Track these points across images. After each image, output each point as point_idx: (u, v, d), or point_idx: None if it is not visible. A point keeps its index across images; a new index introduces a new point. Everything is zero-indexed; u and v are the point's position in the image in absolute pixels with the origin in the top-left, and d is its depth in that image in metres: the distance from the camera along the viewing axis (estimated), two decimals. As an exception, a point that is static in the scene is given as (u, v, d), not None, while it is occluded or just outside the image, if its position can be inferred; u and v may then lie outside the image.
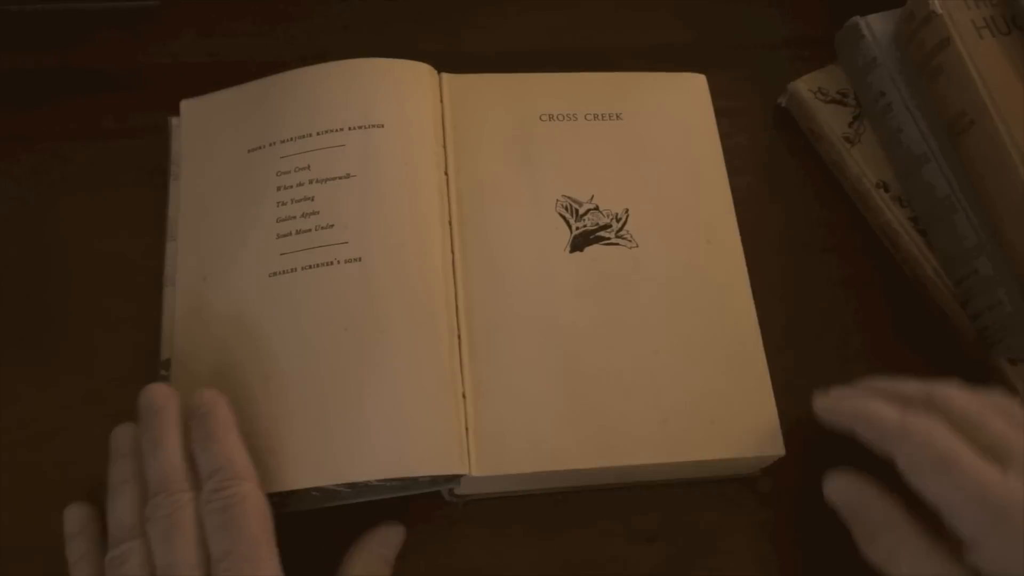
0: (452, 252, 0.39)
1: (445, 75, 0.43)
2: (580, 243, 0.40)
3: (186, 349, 0.39)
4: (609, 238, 0.40)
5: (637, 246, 0.40)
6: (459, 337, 0.38)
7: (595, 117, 0.44)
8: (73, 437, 0.39)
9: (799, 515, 0.39)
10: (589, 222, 0.41)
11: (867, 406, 0.34)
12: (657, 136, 0.43)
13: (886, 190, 0.44)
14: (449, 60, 0.44)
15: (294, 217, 0.39)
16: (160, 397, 0.35)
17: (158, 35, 0.48)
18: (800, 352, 0.42)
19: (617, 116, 0.44)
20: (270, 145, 0.41)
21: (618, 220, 0.41)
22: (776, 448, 0.37)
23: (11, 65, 0.47)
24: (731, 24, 0.51)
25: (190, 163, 0.43)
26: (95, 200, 0.44)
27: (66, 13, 0.48)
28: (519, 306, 0.38)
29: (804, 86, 0.47)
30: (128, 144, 0.45)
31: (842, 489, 0.35)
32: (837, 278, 0.45)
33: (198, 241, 0.41)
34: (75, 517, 0.36)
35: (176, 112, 0.44)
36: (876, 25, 0.45)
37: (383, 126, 0.41)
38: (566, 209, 0.41)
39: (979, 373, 0.42)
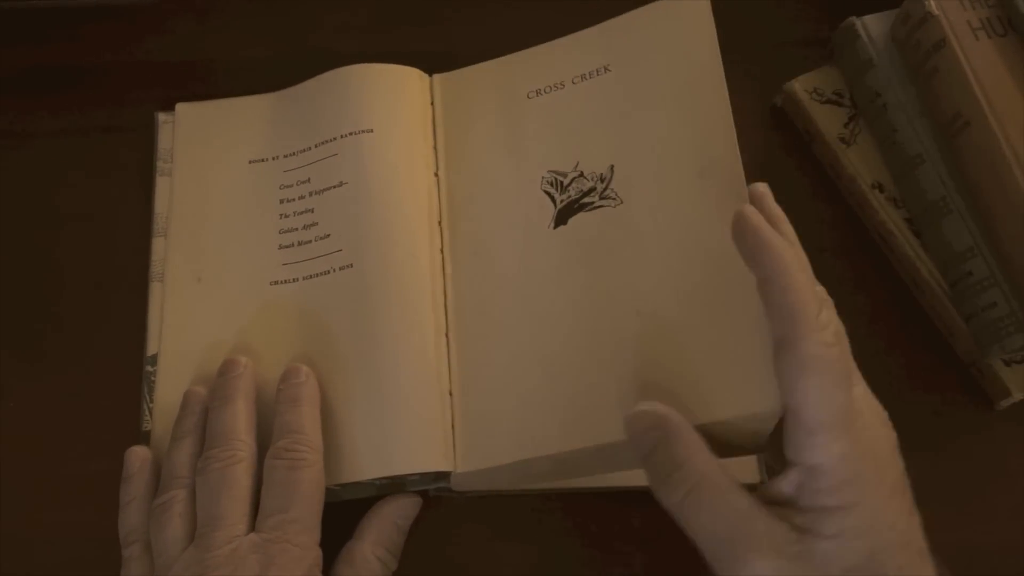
0: (442, 252, 0.39)
1: (436, 76, 0.43)
2: (564, 216, 0.38)
3: (174, 346, 0.40)
4: (593, 202, 0.37)
5: (621, 202, 0.37)
6: (447, 335, 0.38)
7: (582, 78, 0.40)
8: (64, 431, 0.39)
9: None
10: (574, 191, 0.38)
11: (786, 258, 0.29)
12: (647, 74, 0.39)
13: (881, 191, 0.44)
14: (448, 60, 0.43)
15: (296, 229, 0.40)
16: (239, 364, 0.37)
17: (152, 31, 0.48)
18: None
19: (605, 69, 0.40)
20: (273, 159, 0.42)
21: (603, 180, 0.37)
22: (768, 402, 0.30)
23: (3, 61, 0.47)
24: (726, 24, 0.51)
25: (184, 166, 0.43)
26: (85, 195, 0.44)
27: (62, 10, 0.48)
28: (504, 298, 0.37)
29: (800, 86, 0.47)
30: (120, 139, 0.45)
31: (639, 420, 0.30)
32: (832, 278, 0.45)
33: (192, 243, 0.41)
34: (134, 459, 0.36)
35: (166, 108, 0.44)
36: (872, 26, 0.44)
37: (372, 131, 0.41)
38: (551, 185, 0.38)
39: (974, 374, 0.42)
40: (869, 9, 0.45)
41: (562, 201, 0.38)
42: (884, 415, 0.30)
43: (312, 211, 0.40)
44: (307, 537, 0.32)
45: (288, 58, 0.47)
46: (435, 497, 0.38)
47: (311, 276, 0.39)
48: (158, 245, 0.42)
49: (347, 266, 0.39)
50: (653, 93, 0.38)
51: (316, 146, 0.41)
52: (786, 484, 0.28)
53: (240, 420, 0.35)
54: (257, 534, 0.32)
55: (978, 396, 0.42)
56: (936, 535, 0.39)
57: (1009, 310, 0.39)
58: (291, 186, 0.41)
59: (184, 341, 0.39)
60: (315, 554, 0.33)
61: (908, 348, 0.43)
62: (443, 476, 0.36)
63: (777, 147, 0.48)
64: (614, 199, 0.37)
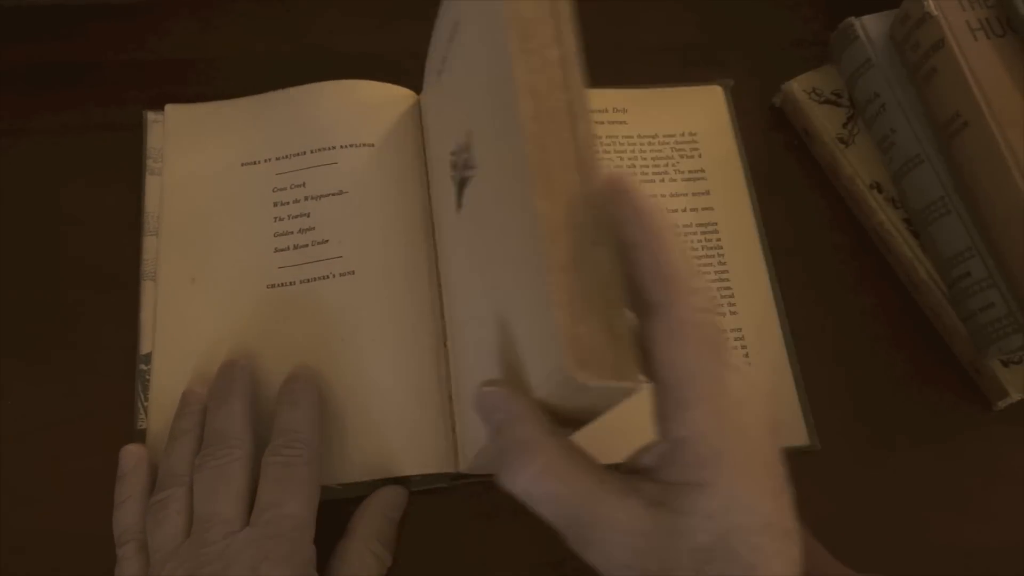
0: (437, 264, 0.40)
1: (421, 95, 0.43)
2: (459, 197, 0.34)
3: (169, 345, 0.40)
4: (469, 175, 0.33)
5: (478, 168, 0.32)
6: (445, 343, 0.38)
7: (449, 41, 0.35)
8: (60, 429, 0.39)
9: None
10: (461, 167, 0.34)
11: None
12: (487, 19, 0.30)
13: (879, 191, 0.44)
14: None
15: (291, 232, 0.41)
16: (238, 364, 0.37)
17: (153, 30, 0.48)
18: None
19: (456, 25, 0.33)
20: (265, 161, 0.43)
21: (468, 149, 0.33)
22: (550, 360, 0.24)
23: (2, 58, 0.47)
24: (727, 24, 0.51)
25: (173, 167, 0.43)
26: (83, 193, 0.44)
27: (63, 8, 0.48)
28: (464, 294, 0.36)
29: (798, 87, 0.47)
30: (119, 138, 0.45)
31: (481, 402, 0.27)
32: (831, 278, 0.45)
33: (185, 243, 0.41)
34: (128, 457, 0.36)
35: (160, 108, 0.44)
36: (871, 26, 0.45)
37: (373, 145, 0.41)
38: (452, 167, 0.35)
39: (972, 374, 0.42)
40: (868, 9, 0.45)
41: (458, 181, 0.34)
42: (763, 391, 0.27)
43: (308, 215, 0.41)
44: (301, 533, 0.32)
45: (288, 57, 0.47)
46: (443, 494, 0.38)
47: (309, 280, 0.40)
48: (149, 244, 0.42)
49: (348, 272, 0.39)
50: (493, 37, 0.29)
51: (312, 151, 0.42)
52: (649, 456, 0.26)
53: (237, 419, 0.35)
54: (252, 528, 0.32)
55: (976, 396, 0.42)
56: (935, 535, 0.39)
57: (1007, 311, 0.39)
58: (284, 189, 0.42)
59: (179, 340, 0.39)
60: (309, 550, 0.33)
61: (907, 348, 0.43)
62: (445, 476, 0.37)
63: (776, 147, 0.48)
64: (474, 167, 0.32)
